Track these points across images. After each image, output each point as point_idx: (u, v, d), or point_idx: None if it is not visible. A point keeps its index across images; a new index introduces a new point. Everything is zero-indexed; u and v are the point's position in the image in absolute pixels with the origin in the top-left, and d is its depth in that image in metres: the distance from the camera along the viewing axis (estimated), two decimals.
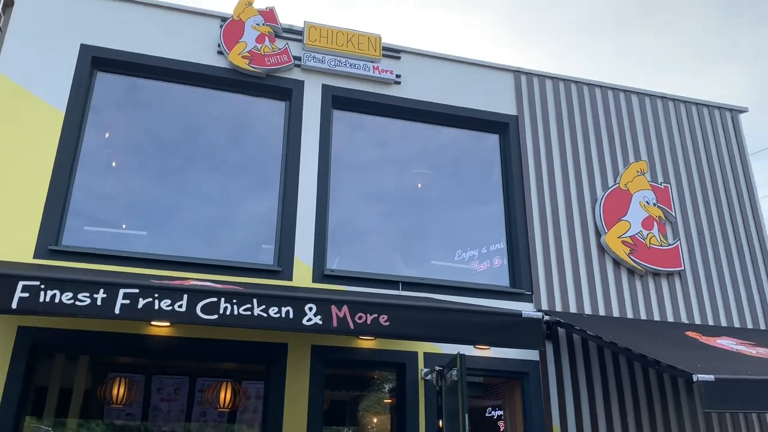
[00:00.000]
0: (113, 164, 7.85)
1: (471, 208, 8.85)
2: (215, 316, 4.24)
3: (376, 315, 4.53)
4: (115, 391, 7.52)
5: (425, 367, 7.39)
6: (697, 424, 7.89)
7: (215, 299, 4.30)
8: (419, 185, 8.92)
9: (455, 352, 7.04)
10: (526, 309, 5.16)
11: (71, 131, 7.36)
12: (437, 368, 7.20)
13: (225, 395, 7.59)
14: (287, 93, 8.38)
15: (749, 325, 8.69)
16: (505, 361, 7.68)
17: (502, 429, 10.81)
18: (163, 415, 8.64)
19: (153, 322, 6.66)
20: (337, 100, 8.51)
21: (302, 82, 8.42)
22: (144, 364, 8.39)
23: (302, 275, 7.44)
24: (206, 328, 6.78)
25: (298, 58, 8.45)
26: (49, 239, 6.77)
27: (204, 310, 4.23)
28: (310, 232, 7.67)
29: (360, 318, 4.51)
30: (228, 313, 4.28)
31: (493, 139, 9.17)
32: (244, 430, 8.78)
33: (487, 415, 10.71)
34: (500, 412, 10.83)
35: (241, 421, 8.67)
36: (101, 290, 4.13)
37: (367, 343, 7.32)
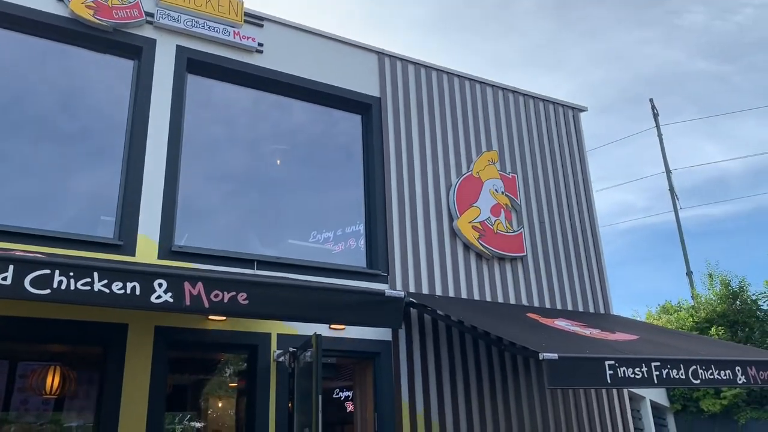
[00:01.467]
0: None
1: (330, 188, 8.71)
2: (47, 291, 3.71)
3: (234, 293, 4.24)
4: None
5: (278, 348, 7.17)
6: (533, 398, 8.43)
7: (48, 271, 3.76)
8: (278, 162, 8.62)
9: (309, 333, 6.90)
10: (384, 289, 5.12)
11: None
12: (291, 349, 7.01)
13: (52, 381, 6.81)
14: (136, 51, 7.67)
15: (581, 308, 9.44)
16: (359, 341, 7.68)
17: (350, 410, 10.86)
18: None
19: None
20: (192, 64, 7.94)
21: (154, 40, 7.74)
22: None
23: (147, 251, 6.87)
24: (32, 305, 6.04)
25: (151, 15, 7.76)
26: None
27: (34, 283, 3.68)
28: (156, 205, 7.09)
29: (216, 296, 4.19)
30: (63, 287, 3.76)
31: (355, 120, 9.08)
32: (73, 419, 7.99)
33: (334, 396, 10.69)
34: (348, 393, 10.87)
35: (70, 409, 7.87)
36: None
37: (217, 324, 6.94)
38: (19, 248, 6.03)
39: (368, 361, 7.91)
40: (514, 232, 9.26)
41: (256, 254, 7.53)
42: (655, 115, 26.82)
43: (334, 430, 10.08)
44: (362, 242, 8.50)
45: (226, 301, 4.20)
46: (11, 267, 3.71)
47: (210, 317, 6.87)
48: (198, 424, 9.13)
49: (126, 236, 6.81)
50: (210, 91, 8.20)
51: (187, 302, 4.08)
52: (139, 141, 7.23)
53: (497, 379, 8.30)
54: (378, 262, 8.19)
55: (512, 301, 8.90)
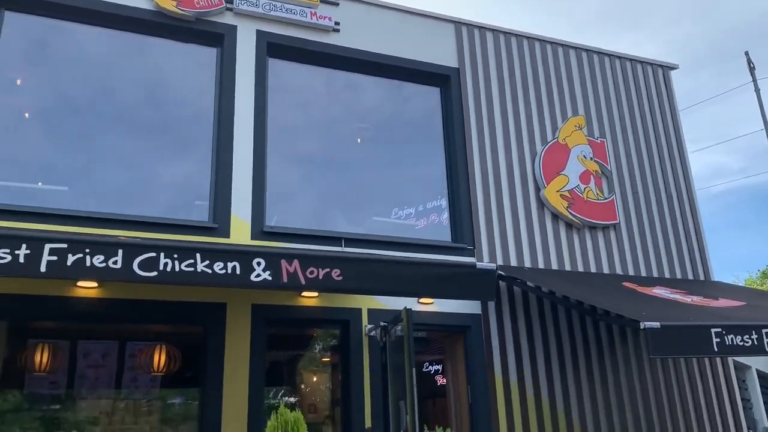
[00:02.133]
0: (26, 115, 7.15)
1: (410, 163, 8.67)
2: (154, 273, 3.89)
3: (328, 269, 4.30)
4: (37, 359, 6.99)
5: (369, 323, 7.25)
6: (630, 368, 8.16)
7: (154, 254, 3.94)
8: (358, 140, 8.65)
9: (399, 308, 6.94)
10: (475, 262, 5.05)
11: None
12: (382, 324, 7.08)
13: (159, 359, 7.20)
14: (218, 39, 7.85)
15: (679, 276, 9.03)
16: (448, 315, 7.66)
17: (440, 383, 10.91)
18: (89, 382, 8.15)
19: (81, 283, 6.18)
20: (272, 48, 8.05)
21: (235, 27, 7.89)
22: (69, 329, 7.86)
23: (240, 232, 7.08)
24: (138, 287, 6.36)
25: (231, 1, 7.91)
26: None
27: (142, 266, 3.87)
28: (246, 188, 7.29)
29: (311, 273, 4.26)
30: (168, 269, 3.93)
31: (433, 93, 8.97)
32: (179, 395, 8.43)
33: (424, 369, 10.75)
34: (438, 367, 10.91)
35: (176, 386, 8.31)
36: (23, 245, 3.68)
37: (310, 300, 7.09)
38: (122, 234, 6.35)
39: (458, 334, 7.88)
40: (605, 199, 8.93)
41: (343, 232, 7.62)
42: (752, 69, 25.04)
43: (425, 403, 10.14)
44: (445, 216, 8.43)
45: (320, 277, 4.27)
46: (120, 251, 3.90)
47: (303, 294, 7.03)
48: (293, 399, 9.44)
49: (220, 219, 7.04)
50: (290, 74, 8.30)
51: (285, 279, 4.17)
52: (227, 127, 7.43)
53: (593, 350, 8.09)
54: (463, 235, 8.11)
55: (605, 270, 8.61)
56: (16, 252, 3.63)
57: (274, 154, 7.72)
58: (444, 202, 8.50)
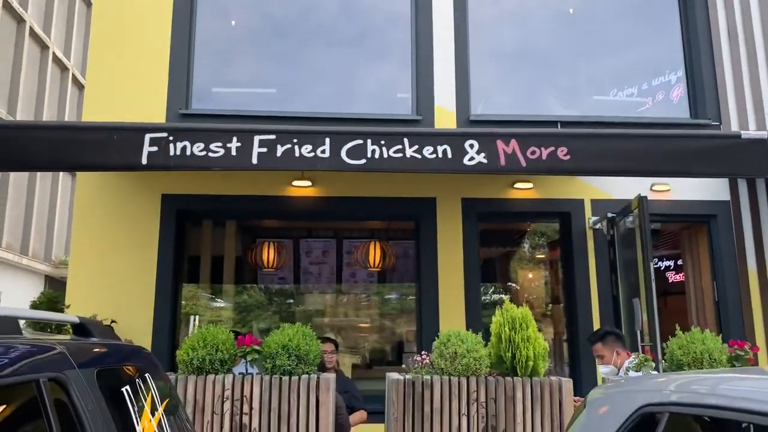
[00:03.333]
0: (233, 23, 7.25)
1: (630, 38, 7.42)
2: (363, 161, 3.62)
3: (552, 148, 3.69)
4: (264, 256, 7.42)
5: (593, 215, 6.52)
6: None
7: (361, 141, 3.66)
8: (570, 10, 7.57)
9: (627, 197, 6.12)
10: (739, 131, 4.06)
11: None
12: (609, 215, 6.32)
13: (374, 254, 7.24)
14: None
15: None
16: (687, 203, 6.62)
17: (672, 280, 9.86)
18: (313, 277, 8.58)
19: (296, 182, 6.27)
20: None
21: None
22: (290, 228, 8.25)
23: (445, 122, 6.64)
24: (350, 185, 6.31)
25: None
26: (178, 103, 6.42)
27: (350, 154, 3.61)
28: (449, 78, 6.76)
29: (533, 153, 3.69)
30: (377, 156, 3.63)
31: None
32: (395, 290, 8.56)
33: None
34: (669, 263, 9.84)
35: (392, 280, 8.44)
36: (234, 138, 3.62)
37: (524, 192, 6.54)
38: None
39: (700, 225, 6.82)
40: None
41: (558, 115, 6.82)
42: None
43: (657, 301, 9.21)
44: (675, 93, 7.16)
45: (544, 157, 3.69)
46: (327, 140, 3.68)
47: (516, 186, 6.49)
48: (506, 296, 9.14)
49: (424, 110, 6.66)
50: None
51: (502, 162, 3.66)
52: (425, 21, 6.88)
53: None
54: (705, 110, 6.84)
55: None
56: (228, 145, 3.58)
57: (477, 33, 7.05)
58: (674, 77, 7.21)
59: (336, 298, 8.92)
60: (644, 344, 5.26)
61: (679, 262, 8.19)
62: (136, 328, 5.85)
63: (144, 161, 3.59)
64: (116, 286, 6.02)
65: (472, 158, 3.66)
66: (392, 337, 8.57)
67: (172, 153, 3.58)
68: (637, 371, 3.66)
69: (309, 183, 6.33)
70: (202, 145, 3.58)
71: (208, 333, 3.43)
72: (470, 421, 3.36)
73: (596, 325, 6.26)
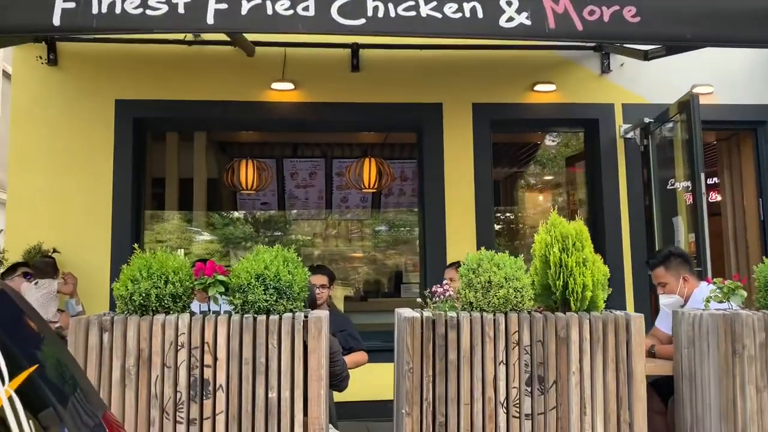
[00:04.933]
0: None
1: None
2: (361, 21, 2.63)
3: (617, 7, 2.71)
4: (243, 176, 6.45)
5: (625, 122, 5.59)
6: None
7: None
8: None
9: (664, 102, 5.20)
10: None
11: None
12: (646, 121, 5.39)
13: (369, 173, 6.29)
14: None
15: None
16: (730, 108, 5.69)
17: (688, 202, 9.01)
18: (300, 202, 7.65)
19: (275, 84, 5.25)
20: None
21: None
22: (271, 144, 7.26)
23: None
24: (341, 89, 5.31)
25: None
26: None
27: (343, 11, 2.61)
28: None
29: (592, 13, 2.71)
30: (380, 14, 2.64)
31: None
32: (394, 214, 7.65)
33: (669, 187, 8.90)
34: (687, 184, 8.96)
35: (388, 206, 7.53)
36: None
37: (545, 96, 5.57)
38: None
39: (745, 133, 5.93)
40: None
41: None
42: None
43: None
44: None
45: (606, 19, 2.71)
46: None
47: (536, 88, 5.52)
48: (512, 216, 8.31)
49: None
50: None
51: (551, 24, 2.69)
52: None
53: None
54: None
55: None
56: (174, 1, 2.56)
57: None
58: None
59: (326, 225, 8.03)
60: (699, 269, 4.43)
61: (714, 180, 7.32)
62: (91, 261, 4.94)
63: (56, 21, 2.58)
64: (64, 211, 5.06)
65: (510, 19, 2.68)
66: (389, 268, 7.74)
67: (95, 10, 2.55)
68: (721, 302, 2.82)
69: (291, 86, 5.31)
70: (137, 2, 2.56)
71: (154, 259, 2.52)
72: (510, 371, 2.52)
73: (628, 250, 5.44)
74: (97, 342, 2.47)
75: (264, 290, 2.49)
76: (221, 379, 2.45)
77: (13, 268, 4.22)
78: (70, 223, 5.03)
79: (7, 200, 5.10)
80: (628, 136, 5.56)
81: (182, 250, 7.68)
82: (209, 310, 2.62)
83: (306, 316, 2.51)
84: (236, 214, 8.06)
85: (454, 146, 5.44)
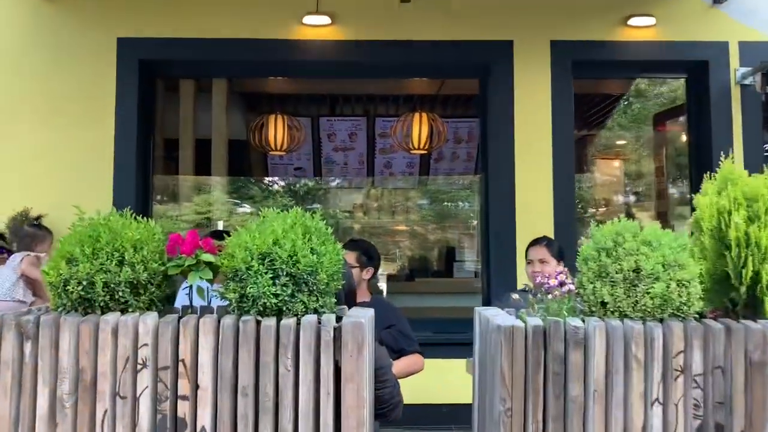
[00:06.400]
0: None
1: None
2: None
3: None
4: (271, 133, 5.52)
5: (742, 65, 4.46)
6: None
7: None
8: None
9: None
10: None
11: None
12: None
13: (419, 131, 5.28)
14: None
15: None
16: None
17: None
18: (338, 168, 6.73)
19: (308, 18, 4.29)
20: None
21: None
22: (306, 101, 6.34)
23: None
24: (387, 24, 4.33)
25: None
26: None
27: None
28: None
29: None
30: None
31: None
32: (449, 181, 6.67)
33: None
34: None
35: (437, 172, 6.53)
36: None
37: (641, 31, 4.47)
38: None
39: None
40: None
41: None
42: None
43: None
44: None
45: None
46: None
47: (630, 23, 4.42)
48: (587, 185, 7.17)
49: None
50: None
51: None
52: None
53: None
54: None
55: None
56: None
57: None
58: None
59: (366, 194, 7.11)
60: None
61: None
62: None
63: None
64: (57, 171, 4.24)
65: None
66: (439, 243, 6.77)
67: None
68: None
69: (327, 20, 4.35)
70: None
71: (103, 228, 1.61)
72: (669, 416, 1.53)
73: None
74: (15, 355, 1.59)
75: (273, 278, 1.56)
76: (204, 419, 1.54)
77: None
78: (64, 187, 4.19)
79: None
80: (746, 81, 4.44)
81: (221, 222, 6.87)
82: (191, 306, 1.70)
83: (339, 320, 1.57)
84: (265, 183, 7.22)
85: (526, 95, 4.40)
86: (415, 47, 4.38)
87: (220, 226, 6.81)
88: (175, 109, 5.52)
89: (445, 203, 6.81)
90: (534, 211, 4.29)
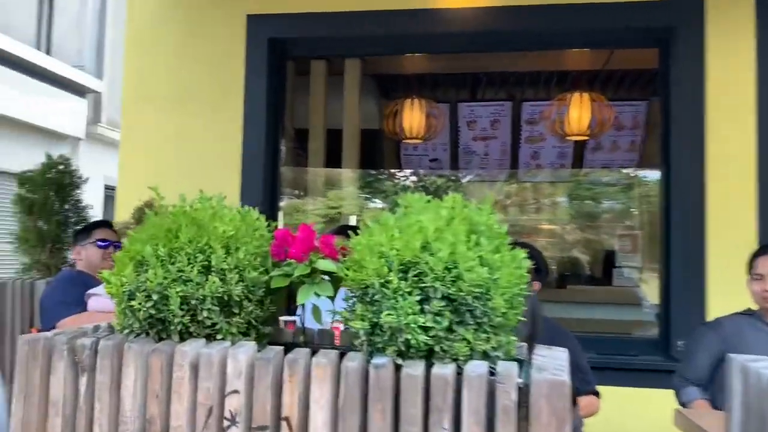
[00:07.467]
0: None
1: None
2: None
3: None
4: (407, 120, 5.01)
5: None
6: None
7: None
8: None
9: None
10: None
11: None
12: None
13: (580, 113, 4.51)
14: None
15: None
16: None
17: None
18: (478, 159, 6.11)
19: None
20: None
21: None
22: (444, 82, 5.79)
23: None
24: None
25: None
26: None
27: None
28: None
29: None
30: None
31: None
32: (611, 175, 5.84)
33: None
34: None
35: (594, 164, 5.71)
36: None
37: None
38: None
39: None
40: None
41: None
42: None
43: None
44: None
45: None
46: None
47: None
48: None
49: None
50: None
51: None
52: None
53: None
54: None
55: None
56: None
57: None
58: None
59: (510, 189, 6.43)
60: None
61: None
62: None
63: None
64: (185, 159, 3.99)
65: None
66: (594, 245, 5.94)
67: None
68: None
69: None
70: None
71: (183, 218, 1.14)
72: None
73: None
74: (67, 394, 1.15)
75: (420, 302, 1.01)
76: None
77: (87, 230, 3.07)
78: (193, 177, 3.91)
79: (121, 140, 4.16)
80: None
81: (353, 216, 6.53)
82: (303, 335, 1.19)
83: (525, 372, 0.99)
84: (399, 176, 6.77)
85: (721, 64, 3.53)
86: (576, 12, 3.65)
87: (353, 221, 6.44)
88: (304, 97, 5.19)
89: (602, 201, 5.97)
90: (730, 211, 3.43)
